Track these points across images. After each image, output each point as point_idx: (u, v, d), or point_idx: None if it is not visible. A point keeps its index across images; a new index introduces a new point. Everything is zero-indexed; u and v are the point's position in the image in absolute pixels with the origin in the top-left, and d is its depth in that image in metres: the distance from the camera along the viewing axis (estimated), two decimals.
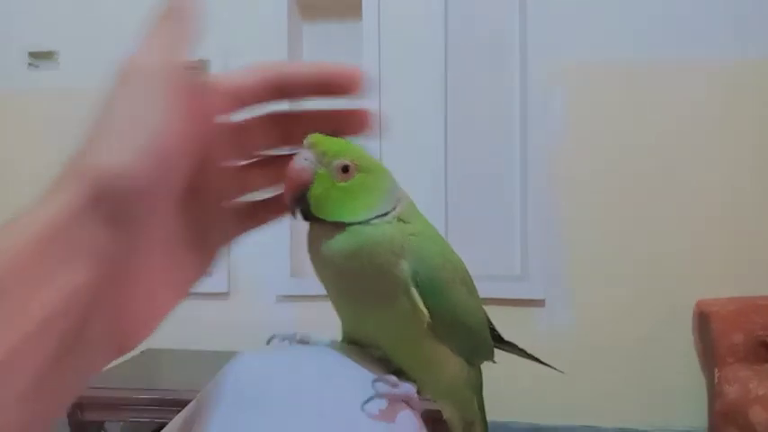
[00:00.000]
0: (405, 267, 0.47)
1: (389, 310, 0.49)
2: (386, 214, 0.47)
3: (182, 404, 0.48)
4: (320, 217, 0.47)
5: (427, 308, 0.49)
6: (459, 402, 0.59)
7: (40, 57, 2.34)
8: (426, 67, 2.13)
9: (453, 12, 2.16)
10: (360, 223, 0.47)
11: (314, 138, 0.47)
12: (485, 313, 0.61)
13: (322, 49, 2.32)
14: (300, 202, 0.47)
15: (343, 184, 0.47)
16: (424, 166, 2.09)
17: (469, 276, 0.58)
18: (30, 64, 2.35)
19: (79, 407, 1.71)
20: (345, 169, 0.47)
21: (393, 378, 0.50)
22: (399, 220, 0.48)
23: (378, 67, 2.14)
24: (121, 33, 2.21)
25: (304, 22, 2.33)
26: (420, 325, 0.49)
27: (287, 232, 2.17)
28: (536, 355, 0.65)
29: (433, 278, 0.49)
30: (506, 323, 2.32)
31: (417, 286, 0.48)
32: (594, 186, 2.05)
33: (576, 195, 2.05)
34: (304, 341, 0.54)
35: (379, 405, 0.46)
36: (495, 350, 0.67)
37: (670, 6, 2.02)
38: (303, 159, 0.47)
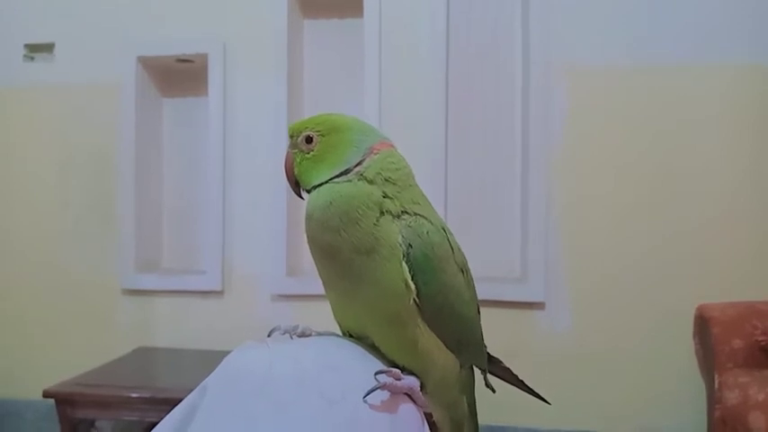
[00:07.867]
0: (398, 239, 0.49)
1: (376, 285, 0.49)
2: (348, 171, 0.51)
3: (173, 403, 0.46)
4: (307, 190, 0.54)
5: (416, 284, 0.49)
6: (449, 402, 0.58)
7: (36, 49, 2.31)
8: (428, 66, 2.11)
9: (455, 10, 2.15)
10: (328, 182, 0.51)
11: (289, 127, 0.55)
12: (478, 312, 0.60)
13: (322, 46, 2.30)
14: (298, 184, 0.55)
15: (310, 154, 0.53)
16: (424, 166, 2.07)
17: (468, 269, 0.57)
18: (25, 56, 2.32)
19: (70, 404, 1.69)
20: (309, 140, 0.53)
21: (396, 371, 0.49)
22: (362, 177, 0.50)
23: (378, 64, 2.12)
24: (118, 26, 2.19)
25: (304, 18, 2.31)
26: (407, 303, 0.49)
27: (283, 231, 2.15)
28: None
29: (427, 255, 0.50)
30: (506, 325, 2.29)
31: (408, 261, 0.49)
32: (595, 189, 2.04)
33: (576, 198, 2.04)
34: (305, 334, 0.53)
35: (382, 396, 0.46)
36: (491, 377, 0.66)
37: (671, 8, 2.01)
38: (287, 149, 0.55)
